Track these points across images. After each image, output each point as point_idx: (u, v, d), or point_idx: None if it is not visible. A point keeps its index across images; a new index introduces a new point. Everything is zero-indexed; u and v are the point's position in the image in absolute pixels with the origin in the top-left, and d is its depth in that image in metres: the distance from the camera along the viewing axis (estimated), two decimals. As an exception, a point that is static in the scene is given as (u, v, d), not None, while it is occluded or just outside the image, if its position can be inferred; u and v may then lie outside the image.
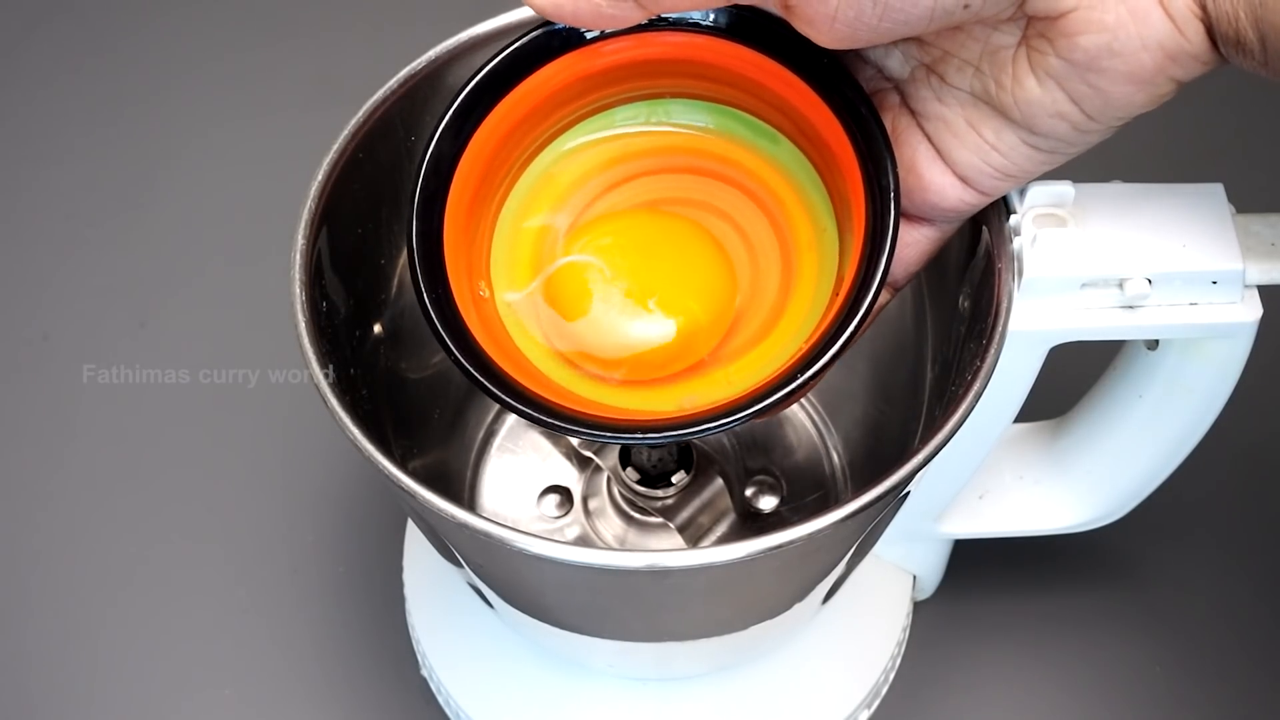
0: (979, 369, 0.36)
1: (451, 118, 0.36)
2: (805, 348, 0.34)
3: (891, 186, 0.34)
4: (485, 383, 0.34)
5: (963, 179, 0.35)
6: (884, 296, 0.37)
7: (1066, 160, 0.34)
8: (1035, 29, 0.31)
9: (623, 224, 0.37)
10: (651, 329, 0.35)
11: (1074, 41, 0.31)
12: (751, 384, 0.34)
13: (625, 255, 0.36)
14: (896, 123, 0.35)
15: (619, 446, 0.47)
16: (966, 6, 0.30)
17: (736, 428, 0.34)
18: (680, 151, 0.38)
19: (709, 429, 0.33)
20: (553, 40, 0.36)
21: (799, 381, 0.33)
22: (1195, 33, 0.31)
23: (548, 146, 0.38)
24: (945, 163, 0.35)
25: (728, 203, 0.38)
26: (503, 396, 0.34)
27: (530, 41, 0.36)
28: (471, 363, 0.34)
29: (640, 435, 0.34)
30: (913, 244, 0.36)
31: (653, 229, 0.37)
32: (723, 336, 0.37)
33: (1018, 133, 0.33)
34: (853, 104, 0.34)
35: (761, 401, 0.33)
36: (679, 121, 0.38)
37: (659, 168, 0.38)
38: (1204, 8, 0.30)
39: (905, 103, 0.35)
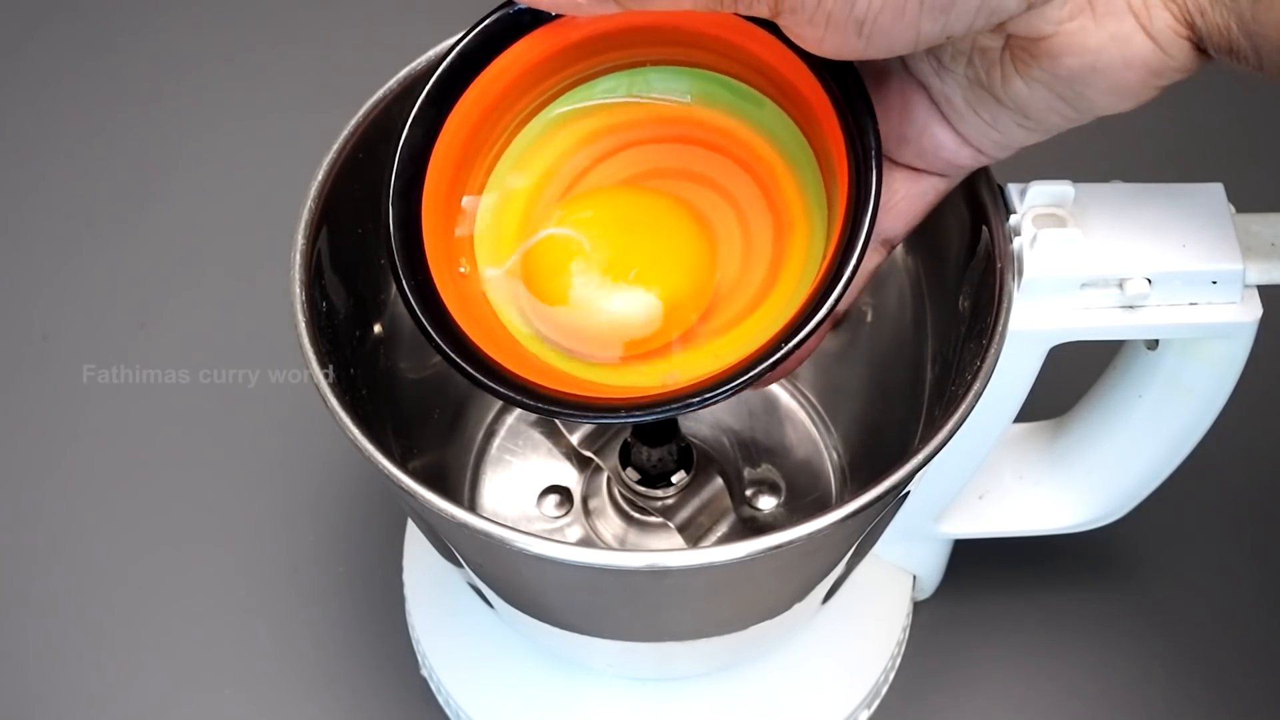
0: (979, 369, 0.36)
1: (425, 101, 0.36)
2: (792, 316, 0.33)
3: (873, 141, 0.33)
4: (466, 367, 0.34)
5: (970, 144, 0.35)
6: (877, 257, 0.37)
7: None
8: (1018, 43, 0.32)
9: (602, 198, 0.37)
10: (631, 302, 0.35)
11: (1057, 61, 0.31)
12: (738, 357, 0.34)
13: (604, 228, 0.36)
14: (905, 85, 0.35)
15: (619, 446, 0.47)
16: (949, 38, 0.31)
17: (721, 400, 0.33)
18: (665, 121, 0.38)
19: (691, 404, 0.33)
20: (523, 16, 0.35)
21: (782, 352, 0.32)
22: (1179, 50, 0.31)
23: (528, 124, 0.38)
24: (953, 129, 0.35)
25: (717, 171, 0.38)
26: (484, 380, 0.34)
27: (500, 19, 0.35)
28: (451, 346, 0.34)
29: (625, 414, 0.34)
30: (918, 196, 0.36)
31: (633, 203, 0.37)
32: (706, 309, 0.36)
33: (1013, 117, 0.34)
34: (832, 62, 0.34)
35: (745, 375, 0.33)
36: (661, 90, 0.38)
37: (645, 138, 0.38)
38: (1190, 26, 0.31)
39: (909, 72, 0.35)
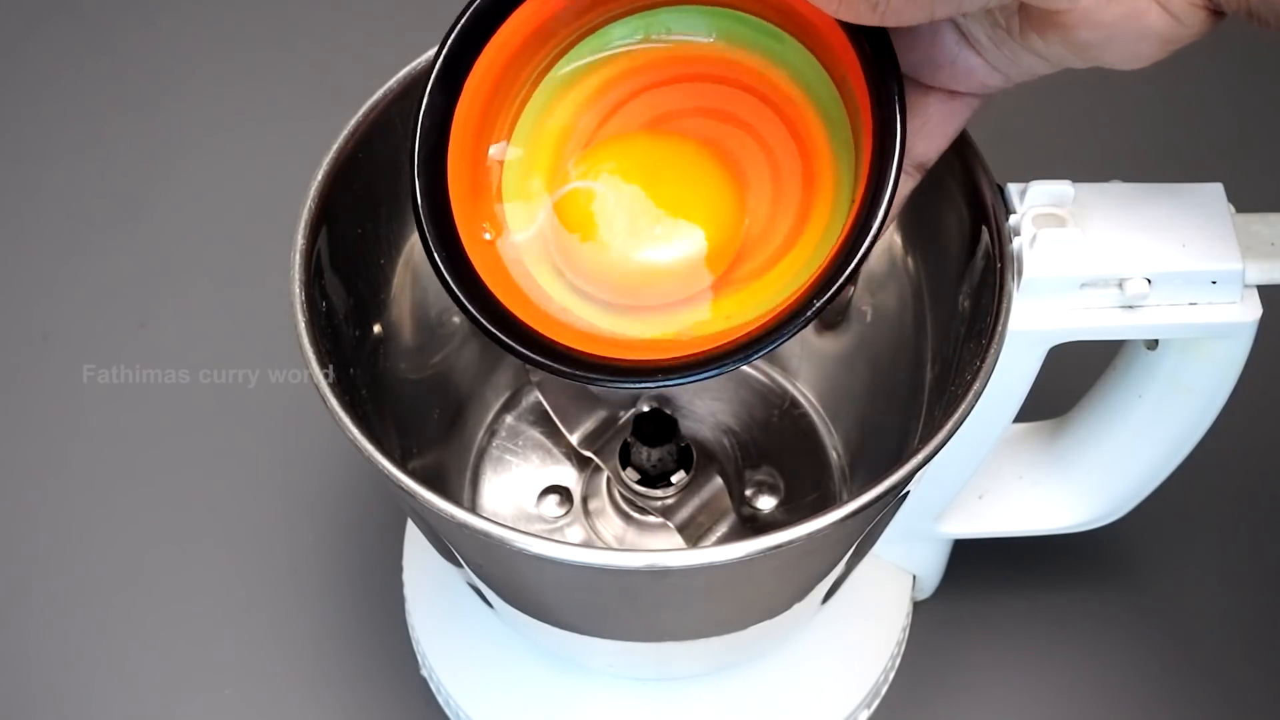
0: (979, 369, 0.36)
1: (442, 66, 0.35)
2: (833, 250, 0.33)
3: (895, 86, 0.33)
4: (502, 336, 0.34)
5: (998, 70, 0.35)
6: (911, 182, 0.37)
7: None
8: (1034, 11, 0.32)
9: (627, 147, 0.37)
10: (660, 251, 0.35)
11: (1072, 32, 0.31)
12: (777, 301, 0.34)
13: (630, 179, 0.36)
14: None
15: (619, 446, 0.47)
16: (964, 15, 0.31)
17: (765, 354, 0.33)
18: (684, 61, 0.38)
19: (726, 365, 0.33)
20: None
21: (836, 286, 0.32)
22: (1195, 19, 0.31)
23: (546, 76, 0.37)
24: (981, 57, 0.35)
25: (742, 109, 0.37)
26: (522, 350, 0.34)
27: None
28: (486, 316, 0.34)
29: (661, 378, 0.33)
30: (951, 117, 0.36)
31: (658, 151, 0.37)
32: (738, 254, 0.36)
33: (1033, 59, 0.34)
34: None
35: (794, 320, 0.32)
36: (679, 31, 0.37)
37: (665, 79, 0.38)
38: None
39: None
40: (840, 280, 0.32)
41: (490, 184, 0.37)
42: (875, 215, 0.32)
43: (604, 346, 0.35)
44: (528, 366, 0.49)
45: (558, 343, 0.35)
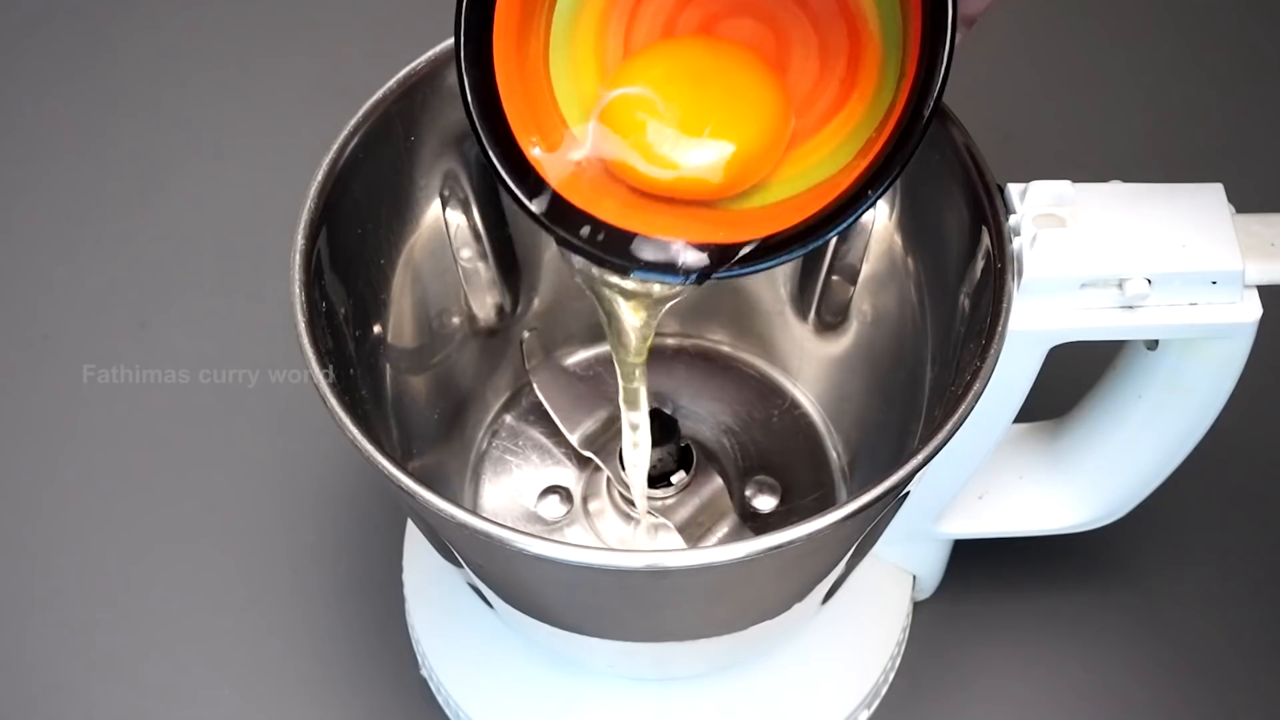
0: (979, 369, 0.36)
1: None
2: (902, 100, 0.33)
3: None
4: (583, 244, 0.35)
5: None
6: (960, 37, 0.36)
7: None
8: None
9: (673, 51, 0.37)
10: (708, 155, 0.35)
11: None
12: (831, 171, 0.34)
13: (677, 84, 0.36)
14: None
15: (618, 448, 0.47)
16: None
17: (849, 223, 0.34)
18: None
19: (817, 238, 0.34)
20: None
21: (916, 137, 0.32)
22: None
23: None
24: None
25: None
26: (611, 257, 0.35)
27: None
28: (561, 224, 0.35)
29: (767, 260, 0.34)
30: None
31: (704, 56, 0.37)
32: (778, 161, 0.36)
33: None
34: None
35: (865, 191, 0.33)
36: None
37: None
38: None
39: None
40: (925, 119, 0.32)
41: (546, 84, 0.37)
42: (939, 62, 0.32)
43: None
44: (528, 368, 0.49)
45: (632, 231, 0.35)
